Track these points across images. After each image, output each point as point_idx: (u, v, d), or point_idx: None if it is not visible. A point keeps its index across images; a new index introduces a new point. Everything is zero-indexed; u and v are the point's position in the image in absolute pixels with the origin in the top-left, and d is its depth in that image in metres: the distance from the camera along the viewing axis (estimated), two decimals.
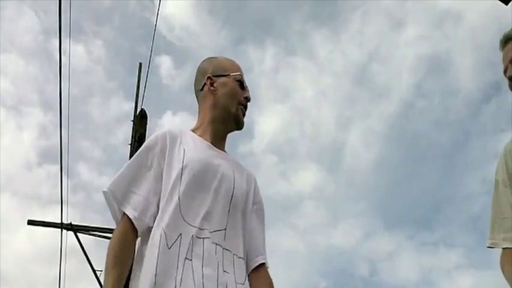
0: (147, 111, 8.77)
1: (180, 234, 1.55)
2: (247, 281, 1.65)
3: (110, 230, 8.94)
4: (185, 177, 1.63)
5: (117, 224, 1.66)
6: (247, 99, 1.85)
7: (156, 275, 1.47)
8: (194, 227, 1.57)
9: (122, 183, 1.65)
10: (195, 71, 1.93)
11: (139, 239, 1.62)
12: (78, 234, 9.03)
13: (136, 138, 8.56)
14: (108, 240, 9.25)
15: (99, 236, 9.18)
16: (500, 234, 1.74)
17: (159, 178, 1.66)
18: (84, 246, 9.03)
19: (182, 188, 1.62)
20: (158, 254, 1.51)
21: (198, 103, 1.88)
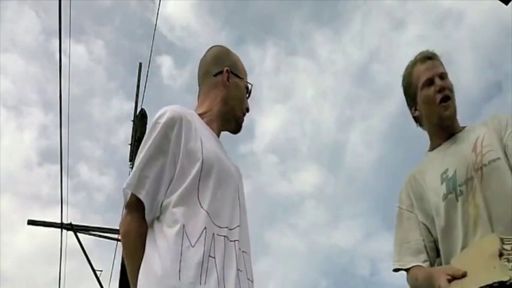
0: (147, 111, 8.78)
1: (205, 228, 1.51)
2: (253, 277, 1.65)
3: (110, 230, 8.95)
4: (205, 173, 1.59)
5: (126, 208, 1.59)
6: (247, 109, 1.88)
7: (180, 270, 1.44)
8: (216, 225, 1.55)
9: (137, 171, 1.58)
10: (210, 50, 1.91)
11: (152, 234, 1.55)
12: (78, 234, 9.02)
13: (137, 138, 8.55)
14: (108, 240, 9.26)
15: (99, 236, 9.17)
16: (406, 256, 1.84)
17: (172, 166, 1.58)
18: (84, 246, 9.02)
19: (202, 183, 1.57)
20: (181, 251, 1.46)
21: (203, 85, 1.86)
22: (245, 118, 1.89)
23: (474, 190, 1.72)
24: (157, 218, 1.56)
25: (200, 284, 1.43)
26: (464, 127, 1.93)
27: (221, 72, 1.83)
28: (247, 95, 1.89)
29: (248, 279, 1.59)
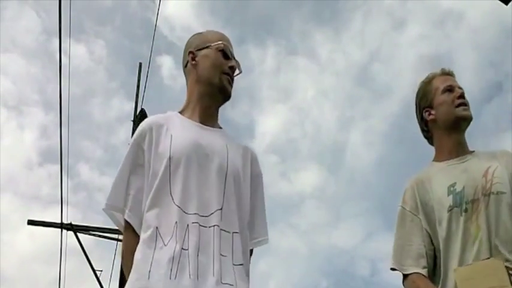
0: (148, 111, 8.76)
1: (176, 222, 1.51)
2: (246, 259, 1.62)
3: (110, 230, 8.94)
4: (174, 166, 1.58)
5: (122, 232, 1.65)
6: (233, 68, 1.78)
7: (150, 271, 1.45)
8: (189, 214, 1.53)
9: (117, 192, 1.63)
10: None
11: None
12: (78, 234, 9.02)
13: None
14: (108, 240, 9.22)
15: (99, 236, 9.17)
16: (407, 260, 1.86)
17: (148, 173, 1.61)
18: (84, 246, 9.02)
19: (173, 177, 1.57)
20: (153, 253, 1.49)
21: (186, 81, 1.84)
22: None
23: (479, 212, 1.79)
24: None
25: (170, 278, 1.44)
26: (473, 151, 1.99)
27: (187, 61, 1.81)
28: (227, 56, 1.78)
29: (234, 264, 1.55)
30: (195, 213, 1.53)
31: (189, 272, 1.45)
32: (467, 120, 1.96)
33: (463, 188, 1.83)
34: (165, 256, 1.47)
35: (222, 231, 1.55)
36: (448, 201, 1.83)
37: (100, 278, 9.05)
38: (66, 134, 10.05)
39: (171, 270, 1.45)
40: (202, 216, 1.54)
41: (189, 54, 1.80)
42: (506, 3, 2.80)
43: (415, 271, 1.83)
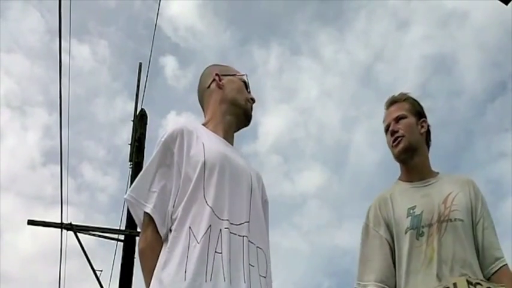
0: (150, 112, 8.78)
1: (210, 226, 1.55)
2: (269, 272, 1.67)
3: (110, 230, 8.94)
4: (208, 172, 1.64)
5: (141, 228, 1.66)
6: (253, 100, 1.92)
7: (185, 271, 1.48)
8: (222, 219, 1.57)
9: (142, 186, 1.66)
10: (200, 75, 1.97)
11: (166, 245, 1.59)
12: (79, 234, 9.01)
13: (136, 138, 8.54)
14: (108, 240, 9.22)
15: (99, 236, 9.16)
16: (369, 275, 1.98)
17: (178, 175, 1.65)
18: (85, 246, 9.01)
19: (207, 182, 1.62)
20: (188, 252, 1.51)
21: (203, 102, 1.91)
22: (253, 108, 1.91)
23: (434, 236, 1.92)
24: (170, 229, 1.60)
25: (206, 281, 1.47)
26: (437, 172, 2.11)
27: (213, 80, 1.90)
28: (247, 88, 1.94)
29: (260, 275, 1.60)
30: (226, 220, 1.58)
31: (224, 275, 1.49)
32: (402, 154, 2.09)
33: (422, 212, 1.96)
34: (200, 257, 1.50)
35: (250, 243, 1.61)
36: (406, 222, 1.96)
37: (100, 278, 9.05)
38: (67, 134, 10.04)
39: (206, 272, 1.48)
40: (233, 224, 1.59)
41: (215, 75, 1.90)
42: (506, 3, 2.81)
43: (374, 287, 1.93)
